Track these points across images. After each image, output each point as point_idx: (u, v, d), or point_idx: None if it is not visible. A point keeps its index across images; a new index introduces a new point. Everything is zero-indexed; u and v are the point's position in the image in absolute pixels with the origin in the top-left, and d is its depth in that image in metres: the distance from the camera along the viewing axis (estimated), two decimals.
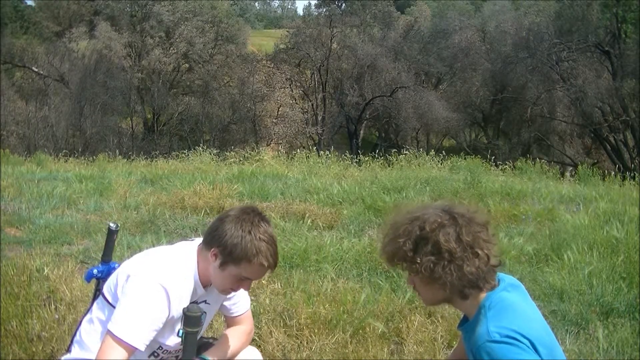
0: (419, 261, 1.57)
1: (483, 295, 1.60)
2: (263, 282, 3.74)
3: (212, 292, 1.93)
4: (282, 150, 14.78)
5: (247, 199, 6.90)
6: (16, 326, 3.04)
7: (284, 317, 3.23)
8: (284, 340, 3.01)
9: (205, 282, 1.88)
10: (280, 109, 26.51)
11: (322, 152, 11.98)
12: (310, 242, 4.65)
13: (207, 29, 29.03)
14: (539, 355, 1.47)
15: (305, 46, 27.14)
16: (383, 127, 29.84)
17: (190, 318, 1.66)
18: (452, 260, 1.56)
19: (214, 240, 1.81)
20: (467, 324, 1.65)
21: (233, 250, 1.77)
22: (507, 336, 1.46)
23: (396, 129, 28.45)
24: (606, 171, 11.67)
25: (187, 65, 29.35)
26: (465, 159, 11.42)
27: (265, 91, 25.75)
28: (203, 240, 1.87)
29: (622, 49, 22.59)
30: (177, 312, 1.78)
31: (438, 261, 1.56)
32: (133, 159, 12.85)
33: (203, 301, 1.92)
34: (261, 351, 2.56)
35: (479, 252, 1.57)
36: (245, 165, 10.76)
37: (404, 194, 7.17)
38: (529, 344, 1.46)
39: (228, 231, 1.78)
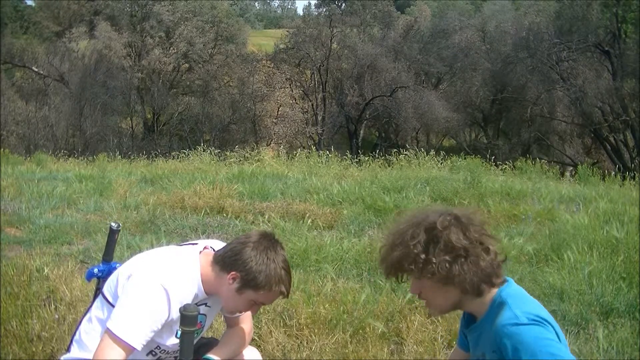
0: (434, 261, 1.56)
1: (493, 292, 1.61)
2: None
3: (214, 296, 1.93)
4: (282, 150, 14.76)
5: (247, 199, 6.90)
6: (16, 326, 3.04)
7: (284, 317, 3.23)
8: (284, 340, 3.01)
9: (207, 290, 1.87)
10: (280, 109, 26.49)
11: (322, 152, 11.98)
12: (310, 242, 4.66)
13: (207, 29, 29.02)
14: (559, 341, 1.48)
15: (305, 46, 27.13)
16: (383, 127, 29.82)
17: (187, 317, 1.67)
18: (467, 256, 1.56)
19: (236, 264, 1.81)
20: (479, 323, 1.64)
21: (257, 277, 1.79)
22: (535, 319, 1.48)
23: (396, 129, 28.44)
24: (606, 171, 11.68)
25: (187, 65, 29.32)
26: (465, 159, 11.41)
27: (265, 91, 25.72)
28: (221, 261, 1.86)
29: (622, 49, 22.56)
30: (176, 313, 1.78)
31: (454, 259, 1.55)
32: (133, 159, 12.86)
33: (204, 304, 1.92)
34: (261, 351, 2.56)
35: (490, 247, 1.58)
36: (245, 165, 10.75)
37: (404, 194, 7.17)
38: (552, 330, 1.49)
39: (254, 258, 1.80)
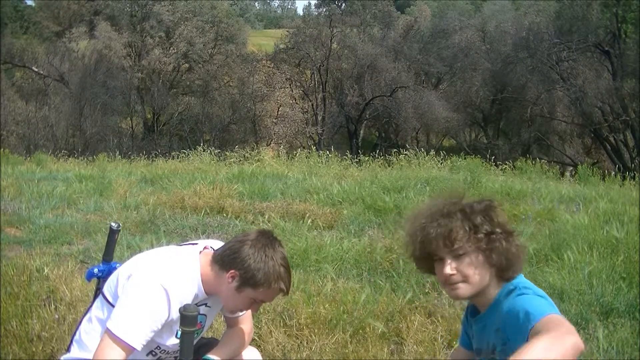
0: (499, 231, 1.57)
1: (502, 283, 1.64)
2: None
3: (214, 296, 1.93)
4: (282, 150, 14.76)
5: (247, 199, 6.90)
6: (16, 326, 3.05)
7: (284, 317, 3.23)
8: (284, 340, 3.01)
9: (207, 290, 1.87)
10: (280, 109, 26.50)
11: (322, 152, 11.98)
12: (310, 242, 4.66)
13: (207, 29, 29.02)
14: None
15: (305, 46, 27.13)
16: (383, 127, 29.82)
17: (187, 317, 1.66)
18: (514, 236, 1.61)
19: (234, 262, 1.81)
20: (486, 312, 1.65)
21: (255, 275, 1.78)
22: (542, 296, 1.53)
23: (396, 129, 28.44)
24: (606, 171, 11.68)
25: (187, 65, 29.33)
26: (465, 159, 11.41)
27: (265, 91, 25.73)
28: (220, 260, 1.85)
29: (622, 49, 22.56)
30: (176, 314, 1.78)
31: (508, 236, 1.59)
32: (133, 159, 12.86)
33: (204, 304, 1.92)
34: (261, 351, 2.56)
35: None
36: (245, 165, 10.75)
37: (404, 194, 7.17)
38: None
39: (252, 255, 1.79)
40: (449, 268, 1.58)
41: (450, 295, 1.67)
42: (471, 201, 1.63)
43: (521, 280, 1.63)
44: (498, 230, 1.57)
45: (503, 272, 1.60)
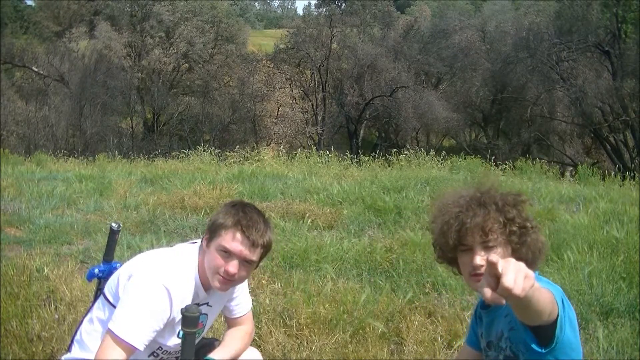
0: (529, 226, 1.58)
1: None
2: (263, 282, 3.74)
3: (214, 295, 1.93)
4: (282, 150, 14.75)
5: (247, 199, 6.90)
6: (16, 326, 3.05)
7: (284, 317, 3.23)
8: (284, 340, 3.01)
9: (206, 285, 1.87)
10: (280, 109, 26.50)
11: (322, 152, 11.97)
12: (310, 242, 4.66)
13: (207, 29, 29.03)
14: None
15: (305, 46, 27.13)
16: (383, 127, 29.81)
17: (189, 318, 1.66)
18: (539, 231, 1.60)
19: (207, 228, 1.88)
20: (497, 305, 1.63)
21: (216, 220, 1.82)
22: (547, 282, 1.51)
23: (396, 129, 28.43)
24: (606, 171, 11.68)
25: (187, 65, 29.33)
26: (465, 159, 11.42)
27: (265, 91, 25.74)
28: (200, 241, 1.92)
29: (622, 49, 22.55)
30: (178, 313, 1.78)
31: (536, 230, 1.60)
32: (133, 159, 12.86)
33: (205, 303, 1.92)
34: (261, 351, 2.56)
35: None
36: (245, 165, 10.75)
37: (404, 194, 7.17)
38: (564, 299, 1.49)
39: (216, 212, 1.88)
40: (480, 259, 1.55)
41: (472, 287, 1.64)
42: (504, 193, 1.62)
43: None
44: (528, 224, 1.57)
45: (527, 266, 1.59)
